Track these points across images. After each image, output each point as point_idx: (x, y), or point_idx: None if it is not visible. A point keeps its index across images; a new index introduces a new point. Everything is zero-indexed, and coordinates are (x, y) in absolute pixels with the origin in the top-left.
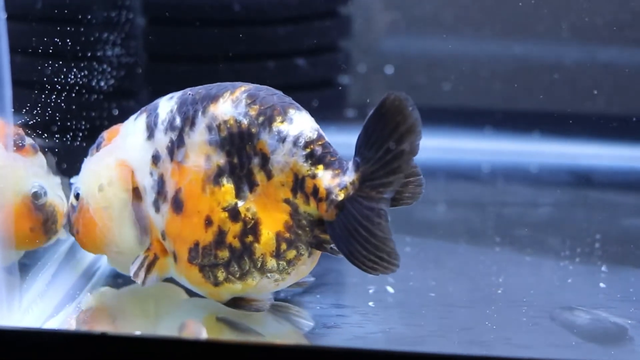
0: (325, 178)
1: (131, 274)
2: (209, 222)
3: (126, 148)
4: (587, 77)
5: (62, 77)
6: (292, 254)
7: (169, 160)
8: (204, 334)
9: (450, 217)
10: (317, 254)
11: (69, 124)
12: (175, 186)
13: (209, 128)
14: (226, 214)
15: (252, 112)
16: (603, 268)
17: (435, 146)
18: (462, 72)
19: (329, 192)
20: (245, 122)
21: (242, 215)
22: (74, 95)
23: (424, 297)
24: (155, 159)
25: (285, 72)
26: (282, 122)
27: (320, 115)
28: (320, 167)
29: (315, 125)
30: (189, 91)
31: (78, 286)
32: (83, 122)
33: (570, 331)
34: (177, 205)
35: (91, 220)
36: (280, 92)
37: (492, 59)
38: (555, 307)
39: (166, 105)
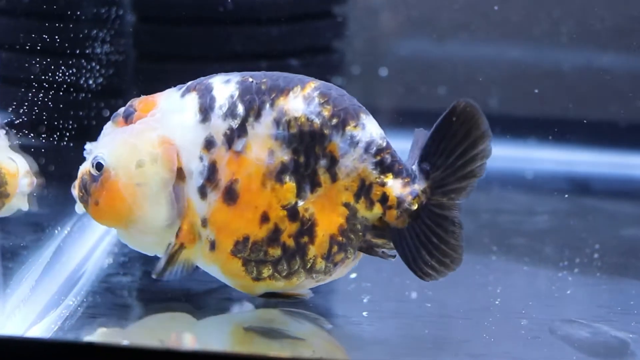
0: (395, 187)
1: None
2: (265, 218)
3: (171, 126)
4: (585, 83)
5: (50, 74)
6: (340, 256)
7: (225, 149)
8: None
9: None
10: (359, 256)
11: (55, 122)
12: (231, 176)
13: (277, 122)
14: (285, 212)
15: (326, 113)
16: (603, 279)
17: None
18: (457, 76)
19: (400, 201)
20: (317, 122)
21: (300, 215)
22: (61, 93)
23: (420, 307)
24: (209, 144)
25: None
26: (355, 126)
27: None
28: (390, 175)
29: (383, 133)
30: (249, 77)
31: (63, 291)
32: (70, 121)
33: (570, 345)
34: (231, 195)
35: (119, 194)
36: (347, 93)
37: (488, 63)
38: (554, 320)
39: (224, 89)
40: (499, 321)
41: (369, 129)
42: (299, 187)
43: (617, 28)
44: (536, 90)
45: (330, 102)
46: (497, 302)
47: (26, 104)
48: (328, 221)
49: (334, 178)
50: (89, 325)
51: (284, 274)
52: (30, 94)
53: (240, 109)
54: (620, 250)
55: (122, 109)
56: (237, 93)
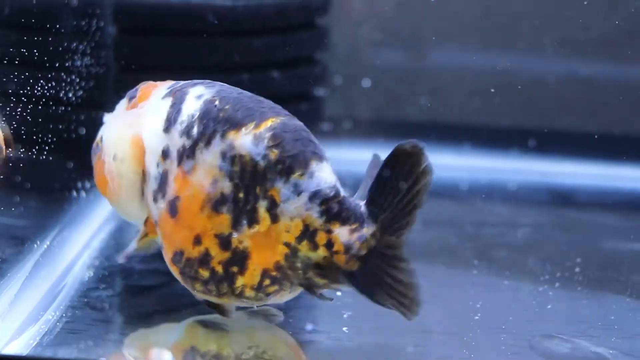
0: (342, 234)
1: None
2: (198, 240)
3: (146, 126)
4: (569, 93)
5: (29, 87)
6: (273, 288)
7: (176, 164)
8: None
9: (426, 236)
10: (299, 288)
11: (35, 136)
12: (175, 192)
13: (224, 155)
14: (217, 241)
15: (272, 157)
16: (584, 294)
17: None
18: (440, 86)
19: (348, 247)
20: (262, 164)
21: (233, 246)
22: (40, 106)
23: (399, 322)
24: (165, 154)
25: (261, 84)
26: (301, 175)
27: None
28: (337, 224)
29: (334, 180)
30: (216, 100)
31: (42, 306)
32: (50, 135)
33: None
34: (173, 210)
35: (103, 175)
36: (307, 134)
37: (471, 73)
38: (534, 335)
39: (191, 104)
40: (479, 336)
41: (318, 178)
42: (235, 220)
43: (602, 38)
44: (519, 101)
45: (280, 146)
46: (477, 317)
47: (4, 118)
48: (263, 256)
49: (274, 219)
50: (68, 341)
51: (214, 293)
52: (9, 108)
53: (195, 131)
54: (601, 264)
55: (132, 90)
56: (198, 114)
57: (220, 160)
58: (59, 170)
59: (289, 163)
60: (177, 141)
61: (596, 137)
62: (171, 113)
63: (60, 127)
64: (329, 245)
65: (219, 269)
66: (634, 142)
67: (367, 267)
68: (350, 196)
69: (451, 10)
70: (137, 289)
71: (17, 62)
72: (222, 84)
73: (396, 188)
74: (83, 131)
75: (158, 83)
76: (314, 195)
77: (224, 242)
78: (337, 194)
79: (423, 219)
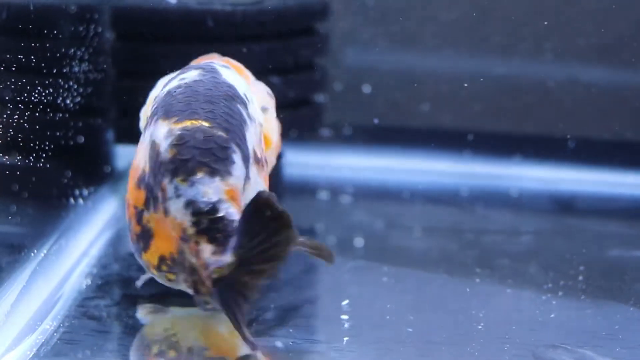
0: (206, 250)
1: None
2: (127, 206)
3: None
4: (570, 99)
5: (26, 94)
6: (172, 276)
7: None
8: None
9: (427, 244)
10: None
11: (32, 143)
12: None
13: (150, 136)
14: (134, 212)
15: (169, 154)
16: (587, 303)
17: (412, 168)
18: (441, 92)
19: (206, 265)
20: (162, 157)
21: (143, 222)
22: (38, 113)
23: (401, 332)
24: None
25: None
26: (183, 180)
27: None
28: (204, 239)
29: (215, 198)
30: (180, 88)
31: (39, 316)
32: (47, 142)
33: None
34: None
35: None
36: (219, 148)
37: (472, 78)
38: (538, 345)
39: (171, 84)
40: (482, 347)
41: (197, 189)
42: (147, 200)
43: (602, 44)
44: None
45: (179, 147)
46: (480, 327)
47: (2, 124)
48: (162, 242)
49: (166, 212)
50: (65, 352)
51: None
52: (6, 114)
53: (150, 111)
54: (605, 272)
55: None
56: (161, 95)
57: (148, 142)
58: (57, 177)
59: (177, 165)
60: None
61: (598, 143)
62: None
63: (58, 133)
64: (197, 256)
65: (134, 238)
66: (636, 148)
67: (218, 290)
68: None
69: (450, 16)
70: (136, 298)
71: (14, 69)
72: (224, 71)
73: (255, 232)
74: (81, 138)
75: (207, 56)
76: (189, 204)
77: (139, 216)
78: (212, 210)
79: (424, 227)
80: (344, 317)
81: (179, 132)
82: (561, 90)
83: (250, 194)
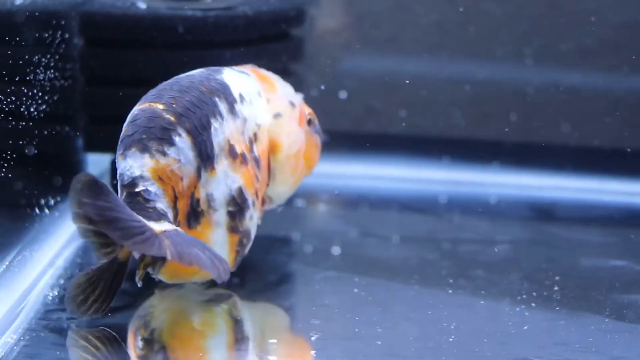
0: None
1: None
2: None
3: None
4: (550, 105)
5: None
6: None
7: None
8: None
9: (403, 254)
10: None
11: None
12: None
13: None
14: None
15: (123, 131)
16: (561, 314)
17: (389, 175)
18: (419, 97)
19: None
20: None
21: None
22: (0, 121)
23: (370, 345)
24: None
25: None
26: (120, 154)
27: None
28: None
29: (137, 173)
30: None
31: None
32: (10, 151)
33: None
34: None
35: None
36: (157, 128)
37: (451, 84)
38: (509, 358)
39: None
40: None
41: (126, 163)
42: None
43: (583, 49)
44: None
45: (129, 124)
46: (450, 340)
47: None
48: None
49: None
50: None
51: None
52: None
53: None
54: (580, 282)
55: None
56: None
57: None
58: (21, 186)
59: (122, 140)
60: None
61: (578, 149)
62: None
63: (22, 142)
64: None
65: None
66: (616, 155)
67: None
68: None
69: (430, 19)
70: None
71: None
72: (228, 72)
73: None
74: (47, 146)
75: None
76: (120, 176)
77: None
78: (130, 184)
79: (400, 236)
80: (312, 329)
81: (135, 112)
82: (541, 96)
83: (218, 187)
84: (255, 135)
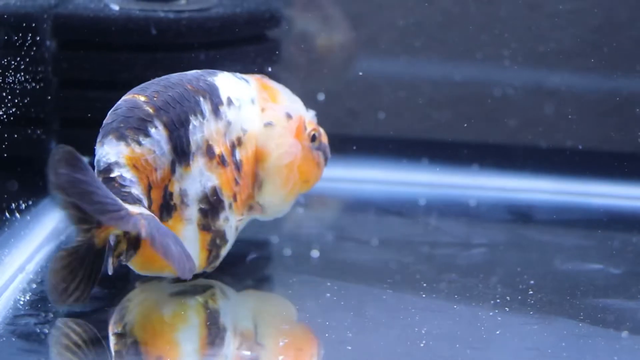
0: None
1: None
2: None
3: None
4: (531, 106)
5: None
6: None
7: None
8: None
9: (378, 257)
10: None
11: None
12: None
13: None
14: None
15: (105, 120)
16: (534, 318)
17: (367, 177)
18: (398, 99)
19: None
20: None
21: None
22: None
23: (339, 351)
24: None
25: None
26: (99, 142)
27: None
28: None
29: (112, 160)
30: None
31: None
32: None
33: None
34: None
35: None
36: (137, 115)
37: (430, 86)
38: None
39: None
40: None
41: (103, 150)
42: None
43: (565, 50)
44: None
45: (111, 113)
46: (422, 345)
47: None
48: None
49: None
50: None
51: None
52: None
53: None
54: (555, 286)
55: None
56: None
57: None
58: None
59: (102, 128)
60: None
61: (558, 151)
62: None
63: None
64: None
65: None
66: (596, 157)
67: None
68: None
69: (409, 20)
70: (70, 315)
71: None
72: (223, 76)
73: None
74: (18, 149)
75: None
76: (96, 163)
77: None
78: (105, 170)
79: (375, 239)
80: (281, 335)
81: (119, 102)
82: (521, 97)
83: (192, 184)
84: (239, 139)
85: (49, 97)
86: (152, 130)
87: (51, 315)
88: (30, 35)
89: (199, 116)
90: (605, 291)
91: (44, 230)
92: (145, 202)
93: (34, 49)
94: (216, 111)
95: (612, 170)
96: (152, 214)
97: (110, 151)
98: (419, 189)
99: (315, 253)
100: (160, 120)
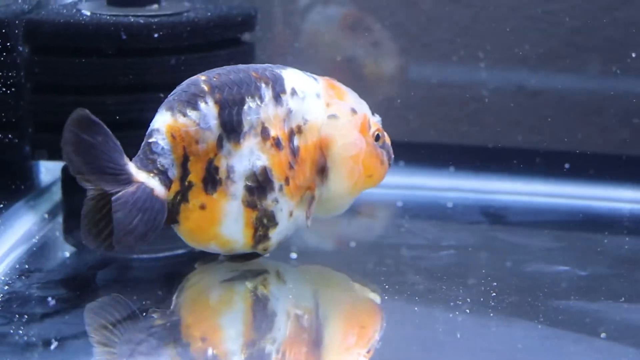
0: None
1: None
2: None
3: None
4: (508, 108)
5: None
6: None
7: None
8: None
9: (345, 259)
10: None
11: None
12: None
13: None
14: None
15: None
16: (495, 320)
17: None
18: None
19: None
20: None
21: None
22: None
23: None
24: None
25: None
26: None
27: None
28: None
29: (155, 127)
30: None
31: None
32: None
33: None
34: None
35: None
36: (190, 91)
37: (405, 86)
38: None
39: None
40: None
41: (156, 119)
42: None
43: (542, 52)
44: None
45: (178, 87)
46: (377, 347)
47: None
48: None
49: None
50: None
51: None
52: None
53: None
54: (519, 288)
55: None
56: None
57: None
58: None
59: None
60: None
61: (534, 152)
62: None
63: None
64: None
65: None
66: (571, 158)
67: None
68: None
69: (392, 20)
70: (29, 316)
71: None
72: (292, 71)
73: None
74: None
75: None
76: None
77: None
78: (148, 135)
79: (349, 241)
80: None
81: (185, 80)
82: (499, 98)
83: (240, 161)
84: (299, 127)
85: (22, 102)
86: (202, 105)
87: (10, 317)
88: (2, 40)
89: (256, 99)
90: (568, 293)
91: (16, 233)
92: (176, 172)
93: (5, 54)
94: (277, 98)
95: (587, 171)
96: (152, 187)
97: (158, 119)
98: (395, 191)
99: (293, 255)
100: (212, 97)
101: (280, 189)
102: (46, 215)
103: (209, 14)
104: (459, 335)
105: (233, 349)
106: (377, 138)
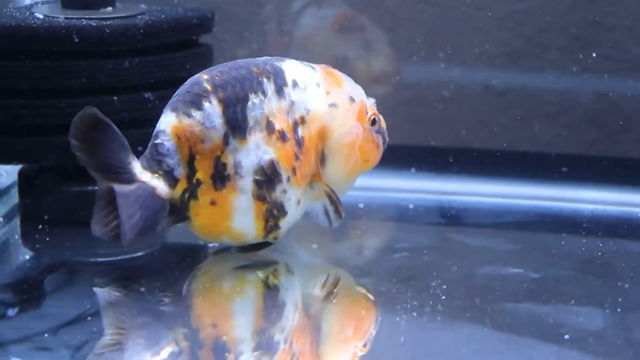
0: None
1: None
2: None
3: None
4: (471, 108)
5: None
6: None
7: None
8: None
9: (292, 263)
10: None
11: None
12: None
13: None
14: None
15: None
16: (441, 324)
17: None
18: None
19: None
20: None
21: None
22: None
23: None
24: None
25: (133, 106)
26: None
27: None
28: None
29: (161, 128)
30: None
31: None
32: None
33: None
34: None
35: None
36: (194, 91)
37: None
38: None
39: None
40: None
41: (161, 120)
42: None
43: (510, 51)
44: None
45: (181, 87)
46: (315, 350)
47: None
48: None
49: None
50: None
51: None
52: None
53: None
54: (468, 291)
55: None
56: None
57: None
58: None
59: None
60: None
61: (496, 152)
62: None
63: None
64: None
65: None
66: (536, 158)
67: None
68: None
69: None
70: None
71: None
72: (290, 62)
73: None
74: None
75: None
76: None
77: None
78: (154, 136)
79: (300, 243)
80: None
81: (189, 79)
82: (464, 99)
83: (247, 156)
84: (302, 118)
85: None
86: (206, 105)
87: None
88: None
89: (259, 95)
90: (518, 296)
91: None
92: (181, 171)
93: None
94: (280, 91)
95: (551, 172)
96: (154, 187)
97: (163, 120)
98: (358, 193)
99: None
100: (216, 96)
101: (288, 179)
102: (1, 219)
103: (164, 16)
104: (402, 339)
105: (243, 336)
106: (374, 122)
